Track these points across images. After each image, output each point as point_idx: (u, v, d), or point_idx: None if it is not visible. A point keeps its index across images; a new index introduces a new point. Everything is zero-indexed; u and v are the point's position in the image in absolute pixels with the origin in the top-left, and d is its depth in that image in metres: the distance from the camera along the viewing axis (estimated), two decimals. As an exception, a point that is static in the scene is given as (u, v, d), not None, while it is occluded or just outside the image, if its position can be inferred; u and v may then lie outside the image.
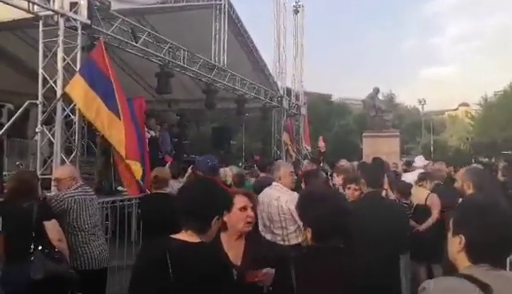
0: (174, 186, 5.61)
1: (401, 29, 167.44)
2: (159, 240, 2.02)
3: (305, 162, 10.11)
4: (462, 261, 1.57)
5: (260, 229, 4.47)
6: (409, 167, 9.88)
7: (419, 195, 6.08)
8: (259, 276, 2.33)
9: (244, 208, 2.64)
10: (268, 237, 4.16)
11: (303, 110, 17.07)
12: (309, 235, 2.20)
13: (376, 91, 19.47)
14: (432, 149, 41.18)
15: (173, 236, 2.02)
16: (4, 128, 6.54)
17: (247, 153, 26.60)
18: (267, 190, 4.44)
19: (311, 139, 17.68)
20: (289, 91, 16.13)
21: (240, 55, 12.83)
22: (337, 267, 2.12)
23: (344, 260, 2.19)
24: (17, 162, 12.15)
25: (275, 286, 2.30)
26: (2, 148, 10.60)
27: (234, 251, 2.59)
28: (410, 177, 7.52)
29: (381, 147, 15.91)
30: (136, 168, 6.55)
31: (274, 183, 4.49)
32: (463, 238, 1.55)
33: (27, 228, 3.52)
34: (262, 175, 6.61)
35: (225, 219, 2.36)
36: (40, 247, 3.42)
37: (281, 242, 4.19)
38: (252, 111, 16.27)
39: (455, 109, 64.70)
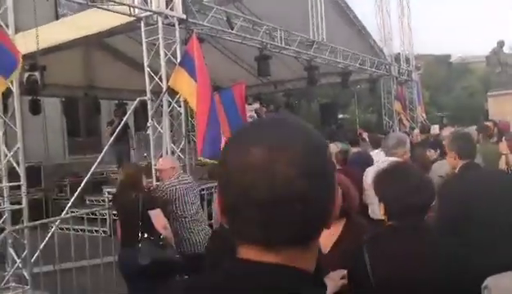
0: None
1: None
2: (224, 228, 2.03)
3: (415, 131, 9.47)
4: None
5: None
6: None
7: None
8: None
9: None
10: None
11: (415, 75, 15.96)
12: (383, 213, 2.06)
13: (501, 44, 17.55)
14: None
15: None
16: (120, 124, 7.12)
17: (361, 126, 25.92)
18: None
19: (427, 106, 16.54)
20: (398, 57, 15.20)
21: (339, 26, 12.37)
22: (419, 249, 1.95)
23: (427, 240, 2.00)
24: (144, 154, 13.36)
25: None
26: (129, 142, 11.72)
27: (322, 237, 2.51)
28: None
29: (509, 106, 14.35)
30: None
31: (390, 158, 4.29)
32: None
33: (135, 217, 3.83)
34: (354, 150, 6.30)
35: None
36: (146, 235, 3.70)
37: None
38: (359, 83, 15.68)
39: None
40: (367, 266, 1.96)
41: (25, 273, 5.43)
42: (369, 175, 4.23)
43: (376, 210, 4.23)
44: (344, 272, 2.19)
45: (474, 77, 34.55)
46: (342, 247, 2.47)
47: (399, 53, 15.48)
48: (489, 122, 7.94)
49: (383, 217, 2.13)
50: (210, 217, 7.41)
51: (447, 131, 6.56)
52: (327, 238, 2.53)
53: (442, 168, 4.63)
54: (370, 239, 2.09)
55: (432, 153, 5.80)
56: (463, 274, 1.92)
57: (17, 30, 5.58)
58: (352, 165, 5.32)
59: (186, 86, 6.42)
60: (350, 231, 2.55)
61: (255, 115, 10.91)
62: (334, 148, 7.11)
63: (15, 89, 5.45)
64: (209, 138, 5.94)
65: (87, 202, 10.23)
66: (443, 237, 2.05)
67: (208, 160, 6.38)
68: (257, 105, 11.33)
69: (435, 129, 10.09)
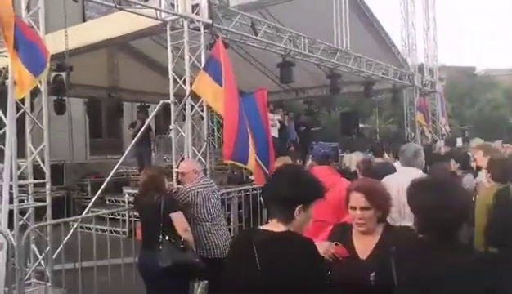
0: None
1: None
2: (246, 231, 2.05)
3: (439, 143, 9.32)
4: None
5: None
6: None
7: None
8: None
9: (352, 208, 2.57)
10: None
11: (439, 87, 15.75)
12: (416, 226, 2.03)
13: (528, 58, 17.25)
14: None
15: (261, 227, 2.03)
16: (143, 127, 7.18)
17: (381, 136, 25.70)
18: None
19: (449, 118, 16.29)
20: (421, 68, 15.03)
21: (364, 35, 12.30)
22: (453, 263, 1.90)
23: (462, 255, 1.96)
24: (164, 157, 13.47)
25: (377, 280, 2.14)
26: (150, 145, 11.83)
27: (361, 243, 2.56)
28: None
29: (536, 121, 14.08)
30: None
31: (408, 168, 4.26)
32: None
33: (156, 219, 3.85)
34: (377, 160, 6.24)
35: None
36: (167, 238, 3.71)
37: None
38: (381, 92, 15.55)
39: None
40: (394, 279, 1.93)
41: (47, 270, 5.50)
42: (389, 184, 4.19)
43: (396, 218, 4.21)
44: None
45: (499, 90, 34.00)
46: (380, 253, 2.40)
47: (423, 64, 15.31)
48: None
49: (402, 224, 2.11)
50: (229, 222, 7.42)
51: (476, 143, 6.46)
52: (366, 244, 2.53)
53: (471, 182, 4.57)
54: (398, 251, 2.06)
55: (452, 165, 5.69)
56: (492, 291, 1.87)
57: (46, 31, 5.68)
58: (376, 176, 5.25)
59: (211, 91, 6.43)
60: (388, 237, 2.52)
61: (278, 124, 10.90)
62: (355, 157, 7.08)
63: (43, 88, 5.54)
64: (239, 142, 5.96)
65: (108, 202, 10.33)
66: (484, 251, 2.01)
67: (236, 163, 6.43)
68: (279, 116, 11.33)
69: (458, 142, 9.96)
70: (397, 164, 5.48)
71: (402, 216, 3.84)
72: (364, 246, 2.52)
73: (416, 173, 4.17)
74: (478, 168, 4.98)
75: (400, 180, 3.78)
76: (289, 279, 1.89)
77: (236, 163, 6.54)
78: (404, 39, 14.19)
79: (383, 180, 4.64)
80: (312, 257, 2.02)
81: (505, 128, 20.75)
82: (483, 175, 4.53)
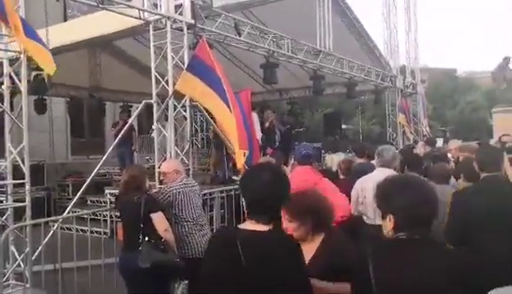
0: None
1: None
2: (224, 230, 2.05)
3: (419, 144, 9.46)
4: None
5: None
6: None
7: None
8: None
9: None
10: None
11: (420, 89, 15.99)
12: (390, 225, 2.04)
13: (507, 60, 17.64)
14: None
15: (240, 226, 2.03)
16: (124, 128, 7.14)
17: (364, 136, 25.94)
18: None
19: (431, 119, 16.55)
20: (403, 70, 15.24)
21: (346, 36, 12.43)
22: (430, 260, 1.95)
23: (437, 252, 2.02)
24: (147, 157, 13.41)
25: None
26: (132, 145, 11.75)
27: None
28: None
29: (514, 123, 14.36)
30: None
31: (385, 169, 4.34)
32: None
33: (136, 220, 3.84)
34: (359, 160, 6.33)
35: None
36: (147, 238, 3.70)
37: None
38: (364, 94, 15.71)
39: None
40: (371, 279, 1.95)
41: (26, 271, 5.43)
42: (367, 184, 4.25)
43: (371, 216, 4.28)
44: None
45: (479, 92, 34.60)
46: (319, 264, 2.44)
47: (404, 65, 15.53)
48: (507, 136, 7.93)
49: (379, 223, 2.12)
50: (211, 222, 7.42)
51: (454, 145, 6.56)
52: (305, 252, 2.40)
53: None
54: (375, 251, 2.09)
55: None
56: (471, 287, 1.92)
57: (27, 30, 5.61)
58: (356, 175, 5.33)
59: (197, 89, 6.39)
60: (327, 247, 2.52)
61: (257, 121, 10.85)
62: (336, 158, 7.15)
63: (23, 88, 5.48)
64: (250, 146, 6.07)
65: (89, 202, 10.23)
66: (454, 248, 2.06)
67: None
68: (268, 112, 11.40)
69: (439, 142, 10.12)
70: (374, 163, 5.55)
71: (378, 213, 3.92)
72: (306, 250, 2.42)
73: (392, 174, 4.25)
74: None
75: (376, 180, 3.84)
76: (274, 277, 1.92)
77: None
78: (386, 41, 14.38)
79: (359, 180, 4.74)
80: (298, 256, 2.06)
81: (485, 130, 21.12)
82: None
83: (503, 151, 4.15)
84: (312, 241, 2.56)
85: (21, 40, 4.51)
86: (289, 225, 2.52)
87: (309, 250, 2.50)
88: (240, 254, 1.88)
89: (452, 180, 4.74)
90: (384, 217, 2.09)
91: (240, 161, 6.26)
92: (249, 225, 2.03)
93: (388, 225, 2.05)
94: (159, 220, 3.89)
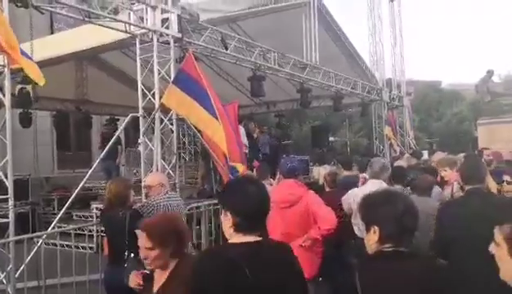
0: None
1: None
2: (212, 250, 2.03)
3: (405, 156, 9.54)
4: None
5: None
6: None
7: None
8: None
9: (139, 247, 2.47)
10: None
11: (406, 101, 16.18)
12: (375, 237, 2.05)
13: (490, 74, 18.01)
14: None
15: (231, 242, 2.01)
16: (110, 142, 7.11)
17: (352, 149, 26.11)
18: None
19: (417, 131, 16.73)
20: (389, 82, 15.43)
21: (333, 50, 12.56)
22: (415, 273, 1.96)
23: (422, 265, 2.03)
24: (134, 170, 13.29)
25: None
26: (117, 158, 11.64)
27: (157, 275, 2.47)
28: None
29: (499, 134, 14.60)
30: (243, 170, 6.71)
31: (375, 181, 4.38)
32: None
33: (121, 235, 3.79)
34: (345, 173, 6.37)
35: None
36: (132, 255, 3.65)
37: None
38: (351, 106, 15.85)
39: None
40: (358, 292, 1.97)
41: (9, 289, 5.32)
42: (358, 197, 4.28)
43: (363, 228, 4.30)
44: None
45: (464, 103, 35.11)
46: (167, 288, 2.37)
47: (390, 78, 15.72)
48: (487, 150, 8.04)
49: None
50: (199, 237, 7.36)
51: (438, 157, 6.62)
52: (159, 277, 2.45)
53: (443, 193, 4.71)
54: (362, 266, 2.10)
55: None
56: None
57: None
58: (341, 188, 5.35)
59: (183, 104, 6.40)
60: (177, 274, 2.38)
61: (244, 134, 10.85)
62: (323, 170, 7.16)
63: (7, 101, 5.42)
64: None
65: (75, 217, 10.09)
66: (438, 261, 2.08)
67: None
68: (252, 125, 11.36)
69: (425, 155, 10.22)
70: (365, 176, 5.59)
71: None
72: (158, 277, 2.46)
73: (381, 185, 4.29)
74: (445, 182, 5.11)
75: (365, 192, 3.87)
76: (277, 284, 1.93)
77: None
78: (372, 54, 14.57)
79: (349, 192, 4.76)
80: (296, 262, 2.09)
81: (470, 141, 21.38)
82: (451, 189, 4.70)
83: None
84: (166, 268, 2.42)
85: (18, 59, 4.57)
86: (149, 254, 2.37)
87: (160, 278, 2.43)
88: (244, 270, 1.85)
89: (436, 189, 4.78)
90: (368, 229, 2.10)
91: (227, 174, 6.28)
92: (241, 238, 2.00)
93: (372, 238, 2.06)
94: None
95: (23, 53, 4.95)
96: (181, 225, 2.53)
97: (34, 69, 4.88)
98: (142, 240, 2.38)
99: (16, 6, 5.35)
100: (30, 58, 5.22)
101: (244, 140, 9.66)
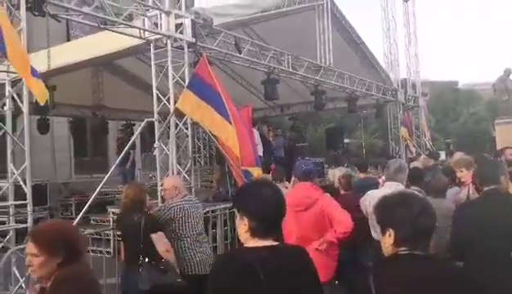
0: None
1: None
2: (228, 255, 2.03)
3: (421, 157, 9.42)
4: None
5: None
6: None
7: None
8: None
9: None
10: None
11: (422, 102, 16.01)
12: (390, 240, 2.02)
13: (508, 72, 17.68)
14: None
15: (247, 245, 2.00)
16: (126, 147, 7.17)
17: (367, 150, 25.92)
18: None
19: (432, 131, 16.52)
20: (404, 83, 15.29)
21: (346, 52, 12.49)
22: (430, 277, 1.94)
23: (438, 268, 2.00)
24: (150, 175, 13.40)
25: None
26: (134, 163, 11.76)
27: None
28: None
29: (518, 134, 14.32)
30: (258, 174, 6.70)
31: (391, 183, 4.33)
32: None
33: (137, 240, 3.82)
34: (361, 175, 6.32)
35: None
36: (147, 259, 3.68)
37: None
38: (366, 108, 15.74)
39: None
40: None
41: (28, 293, 5.39)
42: (374, 199, 4.25)
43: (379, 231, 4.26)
44: None
45: (481, 103, 34.61)
46: None
47: (405, 79, 15.57)
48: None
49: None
50: (215, 240, 7.38)
51: (457, 157, 6.50)
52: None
53: (459, 195, 4.64)
54: (377, 269, 2.08)
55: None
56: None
57: (29, 51, 5.67)
58: (358, 191, 5.31)
59: (198, 108, 6.43)
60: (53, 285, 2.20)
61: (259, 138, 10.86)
62: (338, 172, 7.13)
63: (25, 108, 5.51)
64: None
65: (92, 222, 10.19)
66: (453, 263, 2.05)
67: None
68: (265, 128, 11.34)
69: (442, 155, 10.08)
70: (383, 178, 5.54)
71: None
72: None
73: (398, 187, 4.24)
74: (461, 183, 5.04)
75: (381, 195, 3.83)
76: (293, 289, 1.93)
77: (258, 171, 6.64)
78: (386, 55, 14.46)
79: (366, 195, 4.72)
80: (312, 266, 2.08)
81: (488, 141, 21.06)
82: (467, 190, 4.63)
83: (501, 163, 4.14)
84: (50, 279, 2.23)
85: (24, 76, 4.62)
86: (33, 261, 2.20)
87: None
88: (259, 275, 1.84)
89: (453, 189, 4.70)
90: (383, 232, 2.08)
91: (241, 178, 6.27)
92: (256, 243, 1.99)
93: (387, 241, 2.04)
94: (159, 240, 3.88)
95: (32, 70, 4.96)
96: (71, 233, 2.32)
97: (39, 86, 4.85)
98: (28, 246, 2.24)
99: (34, 15, 5.42)
100: (36, 75, 5.20)
101: (260, 144, 9.68)
